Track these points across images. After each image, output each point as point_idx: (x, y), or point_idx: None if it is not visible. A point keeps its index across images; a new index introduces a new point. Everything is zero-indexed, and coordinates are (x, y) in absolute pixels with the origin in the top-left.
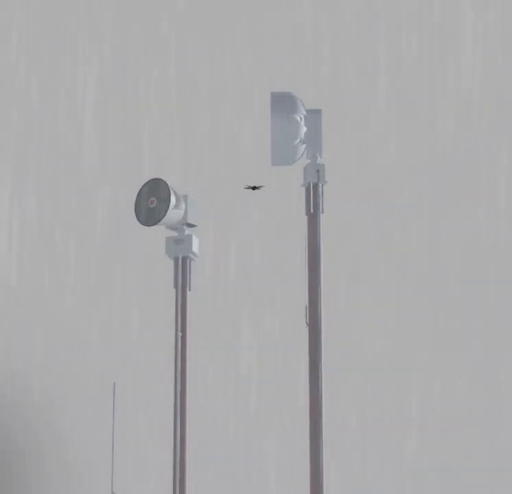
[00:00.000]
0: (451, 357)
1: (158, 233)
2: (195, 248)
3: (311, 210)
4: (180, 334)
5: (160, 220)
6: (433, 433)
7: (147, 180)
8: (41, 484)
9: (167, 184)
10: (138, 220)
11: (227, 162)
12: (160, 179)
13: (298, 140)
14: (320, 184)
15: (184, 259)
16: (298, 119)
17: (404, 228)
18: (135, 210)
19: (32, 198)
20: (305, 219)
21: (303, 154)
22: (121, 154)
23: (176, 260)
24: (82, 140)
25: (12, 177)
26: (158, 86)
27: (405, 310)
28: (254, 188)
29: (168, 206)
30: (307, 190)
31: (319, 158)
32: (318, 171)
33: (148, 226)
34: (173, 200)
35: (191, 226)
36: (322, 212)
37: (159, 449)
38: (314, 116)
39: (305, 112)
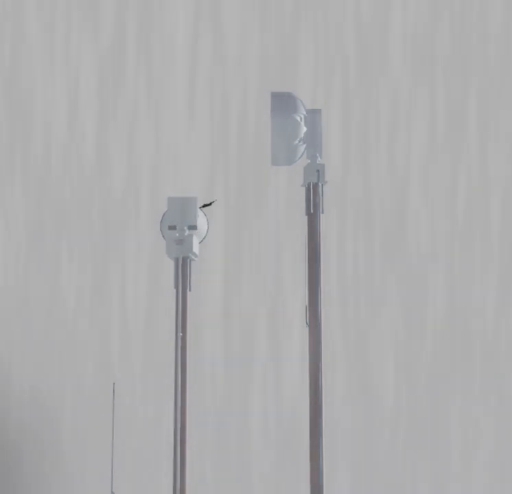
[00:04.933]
0: (452, 357)
1: (159, 233)
2: (195, 248)
3: (311, 210)
4: (180, 334)
5: None
6: (433, 434)
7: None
8: (40, 484)
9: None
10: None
11: (226, 163)
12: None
13: (298, 140)
14: (320, 184)
15: (185, 260)
16: (298, 119)
17: (404, 228)
18: None
19: (30, 197)
20: (305, 219)
21: (303, 154)
22: (120, 153)
23: (176, 260)
24: (80, 136)
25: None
26: (158, 86)
27: (406, 310)
28: (205, 205)
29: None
30: (307, 190)
31: (319, 158)
32: (318, 171)
33: None
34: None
35: (191, 227)
36: (322, 212)
37: (159, 449)
38: (314, 116)
39: (305, 112)
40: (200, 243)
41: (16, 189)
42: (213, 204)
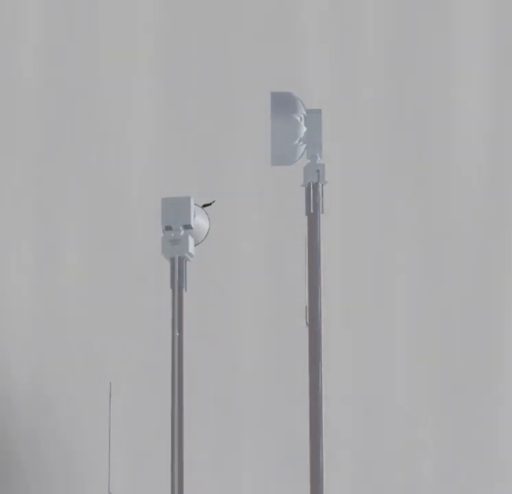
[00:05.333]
0: (457, 355)
1: (158, 233)
2: (191, 248)
3: (311, 210)
4: (177, 334)
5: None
6: (433, 434)
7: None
8: (38, 484)
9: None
10: None
11: (226, 163)
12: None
13: (298, 140)
14: (320, 184)
15: (181, 260)
16: (298, 119)
17: (405, 228)
18: None
19: (28, 199)
20: (305, 219)
21: (303, 154)
22: (117, 153)
23: (172, 260)
24: (77, 138)
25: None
26: (156, 86)
27: (405, 310)
28: (205, 205)
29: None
30: (307, 190)
31: (319, 158)
32: (318, 171)
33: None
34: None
35: (186, 227)
36: (322, 212)
37: (157, 449)
38: (314, 116)
39: (305, 112)
40: (201, 243)
41: (14, 189)
42: (213, 204)
